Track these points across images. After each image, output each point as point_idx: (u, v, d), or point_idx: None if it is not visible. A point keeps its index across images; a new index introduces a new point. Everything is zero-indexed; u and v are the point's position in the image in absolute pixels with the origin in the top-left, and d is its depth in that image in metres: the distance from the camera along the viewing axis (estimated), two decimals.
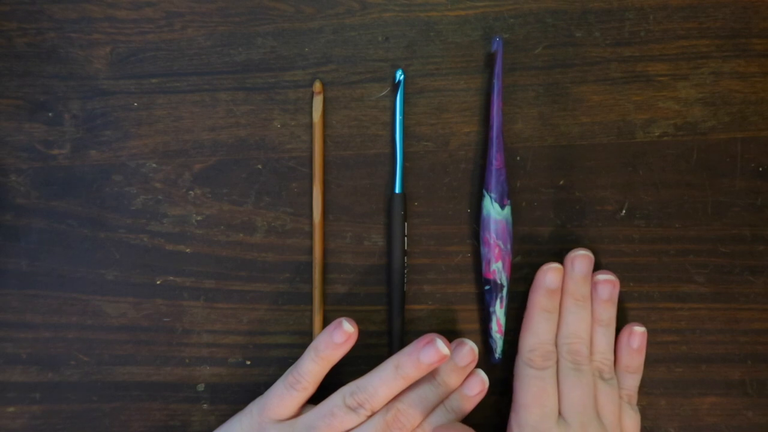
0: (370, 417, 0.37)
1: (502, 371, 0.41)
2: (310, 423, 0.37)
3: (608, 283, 0.40)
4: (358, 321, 0.42)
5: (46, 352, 0.41)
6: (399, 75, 0.41)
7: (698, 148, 0.42)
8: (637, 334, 0.40)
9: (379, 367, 0.38)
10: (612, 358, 0.40)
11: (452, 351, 0.38)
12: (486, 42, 0.42)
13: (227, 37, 0.42)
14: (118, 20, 0.42)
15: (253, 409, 0.39)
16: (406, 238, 0.41)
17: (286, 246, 0.42)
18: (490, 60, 0.42)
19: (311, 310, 0.41)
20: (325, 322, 0.41)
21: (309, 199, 0.42)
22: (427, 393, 0.38)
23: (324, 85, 0.42)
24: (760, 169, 0.42)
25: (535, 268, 0.41)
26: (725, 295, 0.41)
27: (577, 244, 0.41)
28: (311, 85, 0.42)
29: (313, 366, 0.38)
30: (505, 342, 0.40)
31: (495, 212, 0.40)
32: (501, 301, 0.40)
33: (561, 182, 0.42)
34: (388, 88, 0.42)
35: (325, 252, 0.41)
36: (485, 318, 0.41)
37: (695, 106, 0.42)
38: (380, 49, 0.42)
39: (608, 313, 0.40)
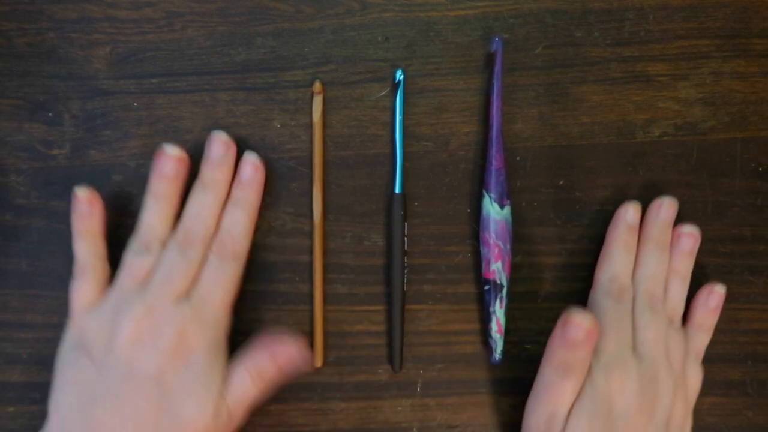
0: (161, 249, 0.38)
1: (502, 371, 0.41)
2: (116, 295, 0.37)
3: (692, 236, 0.40)
4: (358, 321, 0.42)
5: (46, 352, 0.41)
6: (399, 75, 0.41)
7: (698, 148, 0.42)
8: (716, 294, 0.40)
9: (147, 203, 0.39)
10: (682, 311, 0.40)
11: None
12: (486, 42, 0.42)
13: (227, 37, 0.42)
14: (118, 20, 0.42)
15: None
16: (406, 238, 0.41)
17: (286, 246, 0.42)
18: (489, 60, 0.42)
19: (311, 310, 0.41)
20: (326, 323, 0.41)
21: (309, 199, 0.42)
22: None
23: (324, 85, 0.42)
24: (760, 169, 0.42)
25: (535, 268, 0.41)
26: (725, 295, 0.41)
27: (577, 244, 0.41)
28: (311, 85, 0.42)
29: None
30: (505, 342, 0.40)
31: (495, 212, 0.40)
32: (501, 301, 0.40)
33: (561, 182, 0.42)
34: (388, 88, 0.42)
35: (325, 252, 0.41)
36: (485, 318, 0.41)
37: (695, 106, 0.42)
38: (380, 49, 0.42)
39: (686, 266, 0.40)
